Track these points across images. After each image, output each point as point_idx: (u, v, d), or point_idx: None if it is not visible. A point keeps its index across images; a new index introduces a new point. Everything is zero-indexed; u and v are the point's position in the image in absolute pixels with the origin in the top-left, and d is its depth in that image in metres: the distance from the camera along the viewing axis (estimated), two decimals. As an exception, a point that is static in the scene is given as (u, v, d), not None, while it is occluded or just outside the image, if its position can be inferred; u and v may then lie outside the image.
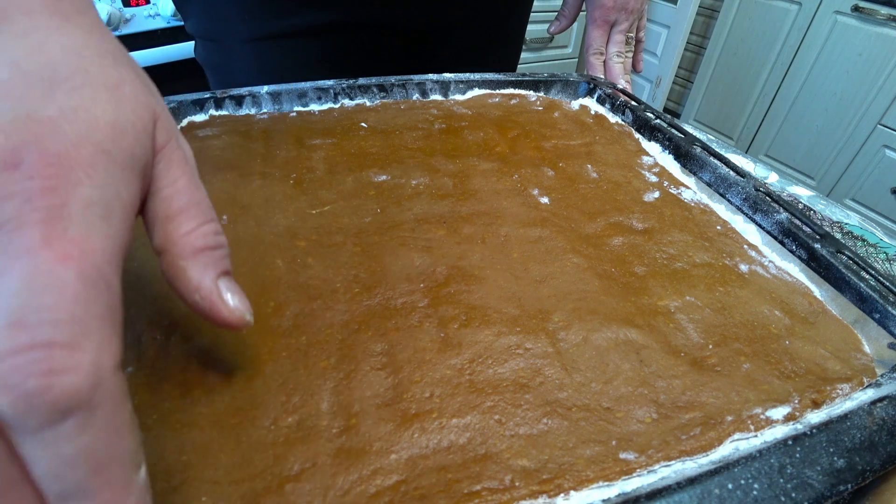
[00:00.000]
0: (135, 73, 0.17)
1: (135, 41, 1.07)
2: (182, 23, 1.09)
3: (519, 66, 0.70)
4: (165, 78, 1.13)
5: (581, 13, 0.62)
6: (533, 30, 1.19)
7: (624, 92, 0.51)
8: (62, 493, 0.12)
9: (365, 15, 0.49)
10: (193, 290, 0.17)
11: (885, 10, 1.40)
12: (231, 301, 0.18)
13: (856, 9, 1.46)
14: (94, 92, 0.15)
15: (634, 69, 0.61)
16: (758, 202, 0.35)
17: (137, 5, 1.05)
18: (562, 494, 0.19)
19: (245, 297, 0.18)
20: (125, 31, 1.05)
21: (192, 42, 0.55)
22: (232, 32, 0.50)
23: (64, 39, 0.16)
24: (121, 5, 1.03)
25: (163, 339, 0.24)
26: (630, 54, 0.59)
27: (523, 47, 0.77)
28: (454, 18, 0.54)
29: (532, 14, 0.68)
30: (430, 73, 0.50)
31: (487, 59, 0.60)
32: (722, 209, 0.37)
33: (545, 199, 0.36)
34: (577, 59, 2.16)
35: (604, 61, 0.57)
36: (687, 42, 1.93)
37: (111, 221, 0.14)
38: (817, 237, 0.31)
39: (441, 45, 0.57)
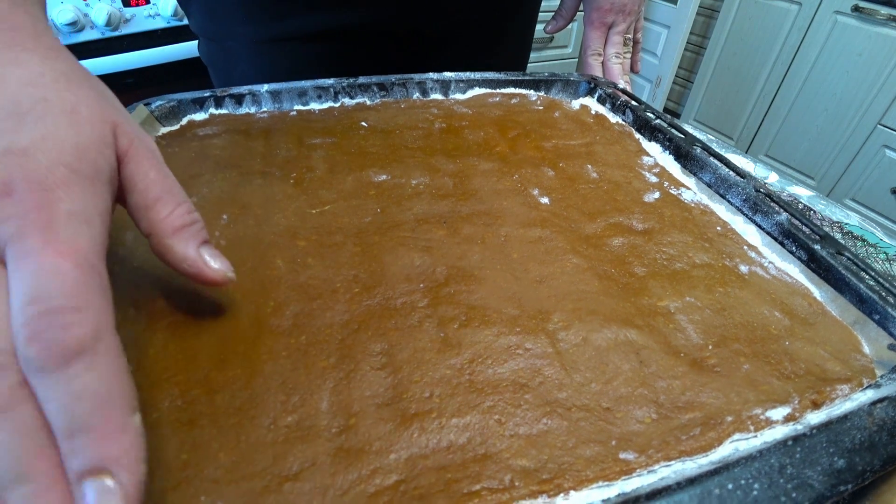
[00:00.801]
0: (89, 88, 0.20)
1: (135, 41, 1.07)
2: (181, 22, 1.09)
3: (521, 66, 0.70)
4: (165, 78, 1.13)
5: (579, 13, 0.62)
6: (533, 30, 1.19)
7: (624, 92, 0.51)
8: (69, 427, 0.14)
9: (364, 20, 0.50)
10: (181, 260, 0.21)
11: (885, 10, 1.40)
12: (213, 264, 0.21)
13: (856, 9, 1.46)
14: (56, 118, 0.17)
15: (633, 70, 0.61)
16: (758, 203, 0.35)
17: (137, 5, 1.05)
18: (561, 494, 0.19)
19: (225, 259, 0.22)
20: (125, 31, 1.05)
21: (194, 42, 0.56)
22: (233, 34, 0.50)
23: (20, 72, 0.18)
24: (121, 5, 1.03)
25: (163, 338, 0.24)
26: (628, 55, 0.59)
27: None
28: (453, 22, 0.54)
29: (532, 14, 0.68)
30: (442, 69, 0.50)
31: (490, 62, 0.60)
32: (722, 210, 0.37)
33: (545, 200, 0.36)
34: (576, 59, 2.16)
35: (602, 62, 0.57)
36: (687, 42, 1.93)
37: (92, 224, 0.17)
38: (817, 238, 0.31)
39: (440, 48, 0.56)
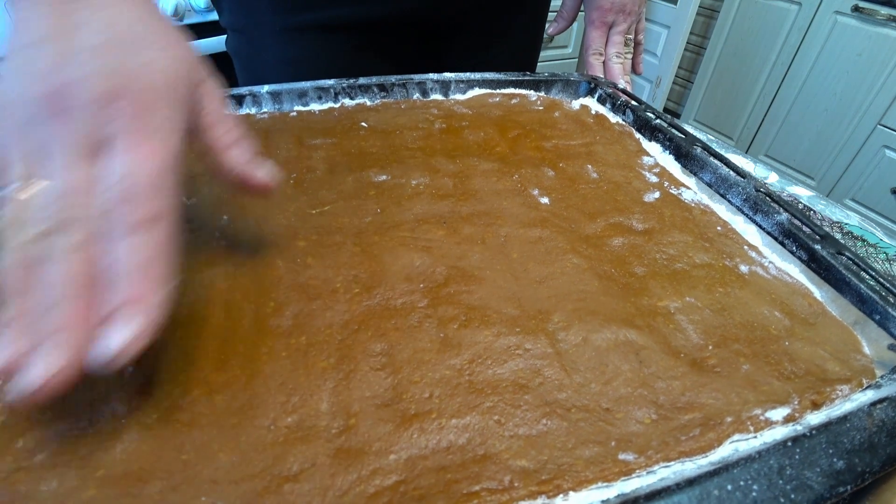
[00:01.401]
0: (179, 32, 0.25)
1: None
2: (181, 22, 1.09)
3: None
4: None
5: (580, 13, 0.62)
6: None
7: (625, 92, 0.51)
8: (123, 269, 0.19)
9: (387, 12, 0.52)
10: (231, 171, 0.25)
11: (885, 10, 1.40)
12: (260, 173, 0.26)
13: (856, 9, 1.46)
14: (156, 52, 0.22)
15: (634, 71, 0.61)
16: (758, 203, 0.35)
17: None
18: (561, 495, 0.19)
19: (270, 168, 0.26)
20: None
21: (197, 41, 0.57)
22: (261, 24, 0.53)
23: (129, 13, 0.23)
24: (121, 4, 1.03)
25: (163, 338, 0.24)
26: (629, 56, 0.59)
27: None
28: (467, 11, 0.57)
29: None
30: (448, 63, 0.51)
31: (502, 52, 0.62)
32: (722, 210, 0.37)
33: (545, 200, 0.36)
34: (576, 59, 2.16)
35: (603, 62, 0.58)
36: (687, 42, 1.93)
37: (173, 136, 0.21)
38: (818, 238, 0.31)
39: (454, 38, 0.58)
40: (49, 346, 0.17)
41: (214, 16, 1.10)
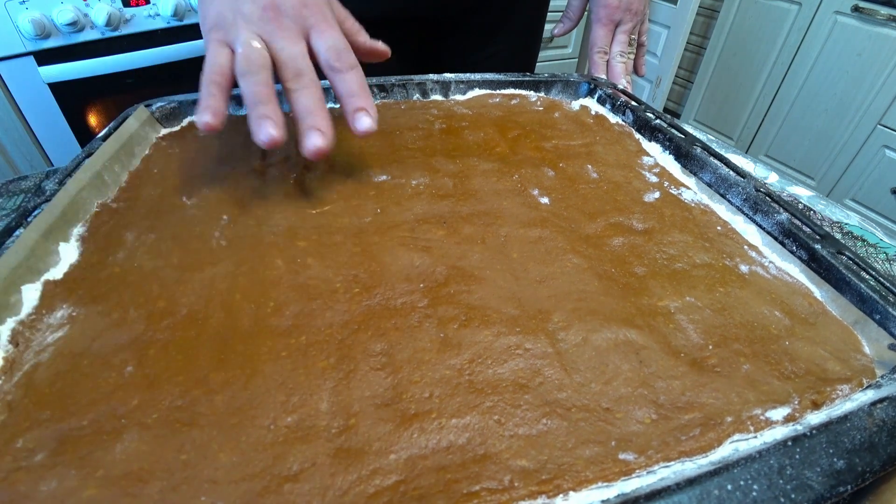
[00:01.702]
0: None
1: (135, 41, 1.07)
2: (181, 23, 1.09)
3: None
4: (165, 78, 1.13)
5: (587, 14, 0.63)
6: (533, 30, 1.19)
7: (624, 92, 0.51)
8: (349, 92, 0.33)
9: (387, 8, 0.53)
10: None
11: (885, 10, 1.40)
12: (379, 45, 0.39)
13: (856, 9, 1.46)
14: None
15: (636, 72, 0.61)
16: (758, 203, 0.35)
17: (137, 5, 1.05)
18: (561, 495, 0.19)
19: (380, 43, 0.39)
20: (125, 31, 1.05)
21: (194, 42, 0.57)
22: None
23: None
24: (121, 5, 1.03)
25: (163, 338, 0.24)
26: (632, 56, 0.59)
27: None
28: (464, 8, 0.57)
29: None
30: (448, 59, 0.52)
31: (498, 49, 0.62)
32: (722, 209, 0.37)
33: (545, 200, 0.36)
34: (577, 60, 2.16)
35: (607, 60, 0.58)
36: (687, 42, 1.93)
37: (337, 24, 0.34)
38: (818, 238, 0.31)
39: (451, 35, 0.59)
40: (317, 133, 0.31)
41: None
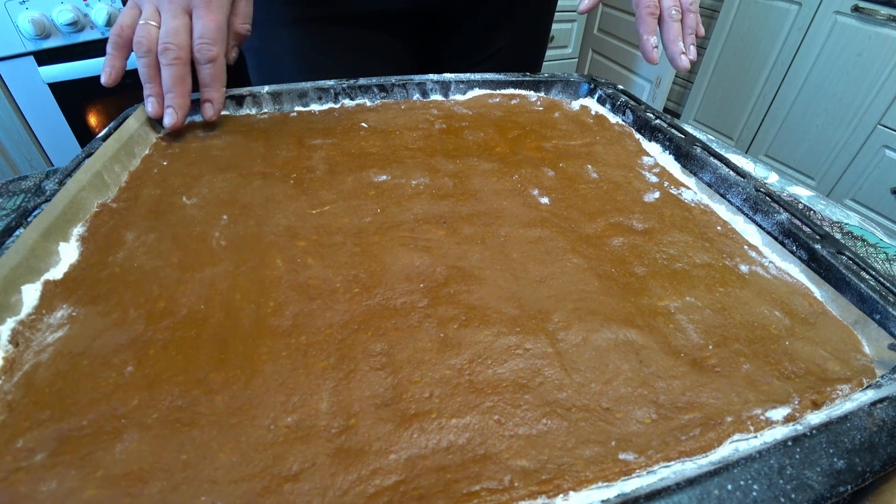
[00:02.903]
0: None
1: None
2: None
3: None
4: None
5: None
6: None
7: (624, 92, 0.51)
8: (205, 82, 0.41)
9: (395, 5, 0.53)
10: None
11: (885, 10, 1.40)
12: None
13: (856, 9, 1.46)
14: None
15: (697, 34, 0.49)
16: (758, 203, 0.35)
17: (138, 5, 1.05)
18: (561, 495, 0.19)
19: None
20: (125, 30, 1.05)
21: None
22: (273, 16, 0.55)
23: None
24: (121, 5, 1.03)
25: (163, 338, 0.24)
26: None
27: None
28: (469, 4, 0.57)
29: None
30: (455, 55, 0.52)
31: (505, 44, 0.62)
32: (722, 209, 0.36)
33: (545, 200, 0.36)
34: (576, 60, 2.16)
35: (659, 18, 0.47)
36: (687, 42, 1.93)
37: (222, 9, 0.39)
38: (818, 238, 0.31)
39: (456, 30, 0.59)
40: (170, 110, 0.39)
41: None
